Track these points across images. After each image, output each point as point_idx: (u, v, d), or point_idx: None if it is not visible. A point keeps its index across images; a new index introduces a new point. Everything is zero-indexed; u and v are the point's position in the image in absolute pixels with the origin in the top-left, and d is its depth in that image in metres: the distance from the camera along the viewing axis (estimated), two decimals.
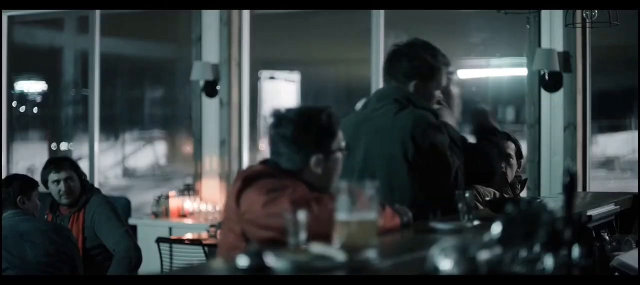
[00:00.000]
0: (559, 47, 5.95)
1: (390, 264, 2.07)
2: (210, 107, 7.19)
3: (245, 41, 7.17)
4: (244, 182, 2.65)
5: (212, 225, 6.26)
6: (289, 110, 2.76)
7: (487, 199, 3.90)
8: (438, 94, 3.41)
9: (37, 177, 4.68)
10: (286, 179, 2.65)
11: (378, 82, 6.57)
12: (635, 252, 3.19)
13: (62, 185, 4.65)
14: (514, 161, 4.30)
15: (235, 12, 7.09)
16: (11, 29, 8.20)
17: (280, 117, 2.75)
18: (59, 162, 4.79)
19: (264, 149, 7.00)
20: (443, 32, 7.00)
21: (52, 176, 4.67)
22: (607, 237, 3.53)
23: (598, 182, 6.25)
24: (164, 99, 8.40)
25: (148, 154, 8.27)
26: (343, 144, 2.79)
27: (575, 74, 5.94)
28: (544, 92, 6.05)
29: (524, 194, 4.80)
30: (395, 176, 3.19)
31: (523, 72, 6.30)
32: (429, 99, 3.37)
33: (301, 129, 2.71)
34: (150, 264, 5.63)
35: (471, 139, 3.51)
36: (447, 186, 3.16)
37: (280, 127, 2.73)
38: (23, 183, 4.36)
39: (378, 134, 3.27)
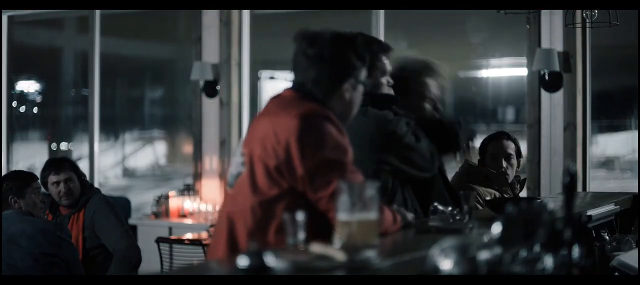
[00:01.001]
0: (559, 47, 5.95)
1: (390, 264, 2.08)
2: (210, 107, 7.19)
3: (245, 41, 7.17)
4: (304, 122, 2.44)
5: (211, 226, 6.26)
6: (321, 33, 2.57)
7: (487, 199, 3.91)
8: (385, 80, 3.34)
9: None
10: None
11: None
12: (635, 252, 3.19)
13: (61, 187, 4.64)
14: (514, 161, 4.30)
15: (235, 12, 7.09)
16: (11, 29, 8.20)
17: (315, 38, 2.55)
18: (58, 163, 4.77)
19: None
20: (443, 32, 7.00)
21: (52, 178, 4.66)
22: (607, 237, 3.53)
23: (598, 182, 6.25)
24: (164, 99, 8.40)
25: (148, 154, 8.28)
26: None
27: (575, 74, 5.94)
28: (544, 92, 6.05)
29: (523, 193, 4.81)
30: None
31: (523, 72, 6.30)
32: (376, 87, 3.33)
33: (340, 51, 2.55)
34: (150, 264, 5.63)
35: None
36: None
37: (315, 48, 2.54)
38: (13, 182, 4.25)
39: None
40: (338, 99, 2.57)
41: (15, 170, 4.63)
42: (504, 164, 4.23)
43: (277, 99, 2.61)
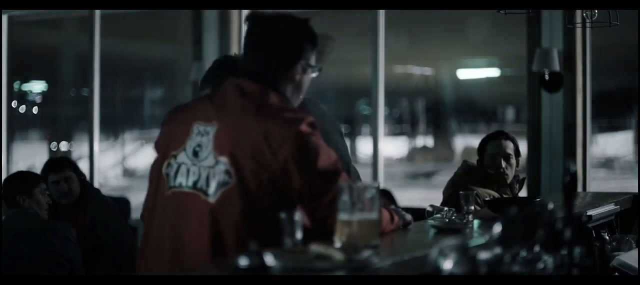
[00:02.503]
0: (559, 47, 5.95)
1: (390, 263, 2.08)
2: None
3: None
4: (301, 136, 2.41)
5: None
6: (272, 14, 2.56)
7: (487, 199, 3.90)
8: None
9: None
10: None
11: (378, 81, 6.58)
12: (635, 252, 3.19)
13: (61, 186, 4.64)
14: (513, 161, 4.29)
15: (235, 12, 7.09)
16: (11, 29, 8.20)
17: (267, 19, 2.56)
18: (58, 162, 4.78)
19: None
20: (443, 32, 7.01)
21: (51, 177, 4.67)
22: (607, 237, 3.53)
23: (598, 182, 6.25)
24: (164, 99, 8.41)
25: (148, 154, 8.28)
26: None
27: (575, 74, 5.94)
28: (544, 92, 6.05)
29: (523, 193, 4.80)
30: None
31: (523, 72, 6.30)
32: None
33: (292, 31, 2.55)
34: None
35: None
36: None
37: (267, 29, 2.54)
38: (23, 181, 4.30)
39: None
40: (288, 81, 2.55)
41: (23, 170, 4.66)
42: (503, 164, 4.23)
43: (243, 97, 2.50)
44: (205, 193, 2.43)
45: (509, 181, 4.26)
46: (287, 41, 2.55)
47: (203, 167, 2.45)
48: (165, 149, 2.56)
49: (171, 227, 2.49)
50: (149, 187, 2.64)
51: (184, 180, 2.48)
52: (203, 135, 2.48)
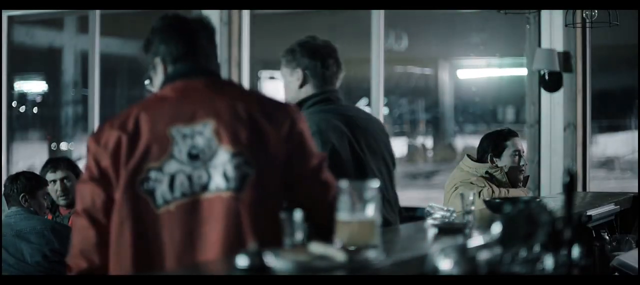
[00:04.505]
0: (559, 47, 5.95)
1: (390, 264, 2.08)
2: None
3: (245, 41, 7.17)
4: (303, 119, 2.47)
5: None
6: (197, 16, 2.62)
7: (486, 199, 3.90)
8: None
9: None
10: None
11: (378, 82, 6.58)
12: (635, 252, 3.19)
13: (58, 185, 4.65)
14: (516, 158, 4.30)
15: (235, 12, 7.09)
16: (11, 29, 8.20)
17: (205, 24, 2.59)
18: (56, 162, 4.79)
19: None
20: (443, 32, 7.00)
21: (49, 176, 4.67)
22: (607, 237, 3.54)
23: (598, 182, 6.25)
24: None
25: None
26: None
27: (575, 74, 5.93)
28: (544, 92, 6.05)
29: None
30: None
31: (523, 72, 6.31)
32: None
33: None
34: None
35: None
36: None
37: (211, 32, 2.58)
38: (28, 181, 4.31)
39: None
40: None
41: (29, 171, 4.65)
42: (522, 162, 4.24)
43: (221, 89, 2.44)
44: (229, 190, 2.29)
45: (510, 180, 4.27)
46: (215, 41, 2.57)
47: (213, 166, 2.30)
48: (136, 166, 2.34)
49: (182, 241, 2.30)
50: (95, 220, 2.49)
51: (188, 189, 2.30)
52: (193, 136, 2.33)
